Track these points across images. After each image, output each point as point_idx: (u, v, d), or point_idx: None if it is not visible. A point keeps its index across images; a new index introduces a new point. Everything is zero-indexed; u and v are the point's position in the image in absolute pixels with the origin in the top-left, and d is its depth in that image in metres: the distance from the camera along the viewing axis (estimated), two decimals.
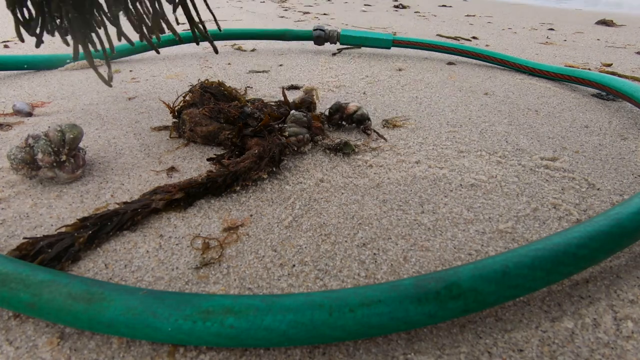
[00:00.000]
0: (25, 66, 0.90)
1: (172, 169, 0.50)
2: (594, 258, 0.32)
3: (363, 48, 1.22)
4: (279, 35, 1.18)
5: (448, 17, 2.29)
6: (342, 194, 0.46)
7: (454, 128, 0.66)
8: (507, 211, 0.44)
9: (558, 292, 0.33)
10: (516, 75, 1.01)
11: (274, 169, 0.49)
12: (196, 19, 0.51)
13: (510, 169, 0.53)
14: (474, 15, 2.40)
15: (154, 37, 0.51)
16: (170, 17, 0.52)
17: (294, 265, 0.35)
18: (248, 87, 0.81)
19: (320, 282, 0.34)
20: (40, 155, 0.44)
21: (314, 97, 0.65)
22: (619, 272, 0.36)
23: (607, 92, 0.82)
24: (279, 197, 0.45)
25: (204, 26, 0.54)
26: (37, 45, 0.40)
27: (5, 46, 1.18)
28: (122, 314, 0.26)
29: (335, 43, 1.15)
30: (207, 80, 0.61)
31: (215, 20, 0.55)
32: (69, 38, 0.45)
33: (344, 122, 0.63)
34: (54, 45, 1.21)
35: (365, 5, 2.75)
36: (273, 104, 0.62)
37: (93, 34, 0.46)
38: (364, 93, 0.81)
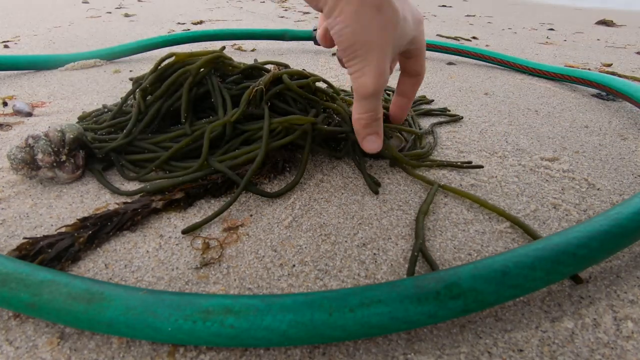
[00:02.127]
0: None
1: None
2: (594, 258, 0.32)
3: None
4: (279, 36, 1.18)
5: (448, 17, 2.29)
6: (342, 194, 0.46)
7: (453, 128, 0.66)
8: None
9: (558, 292, 0.33)
10: (516, 75, 1.01)
11: (276, 175, 0.49)
12: None
13: (510, 169, 0.53)
14: (474, 15, 2.40)
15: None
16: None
17: (294, 265, 0.35)
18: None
19: (320, 282, 0.34)
20: (40, 155, 0.44)
21: None
22: (619, 272, 0.36)
23: (607, 92, 0.82)
24: (278, 198, 0.45)
25: None
26: None
27: (5, 46, 1.18)
28: (122, 314, 0.26)
29: None
30: None
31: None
32: None
33: None
34: (54, 45, 1.21)
35: None
36: None
37: None
38: None
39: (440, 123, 0.67)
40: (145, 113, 0.51)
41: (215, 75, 0.54)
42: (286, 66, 0.57)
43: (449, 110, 0.72)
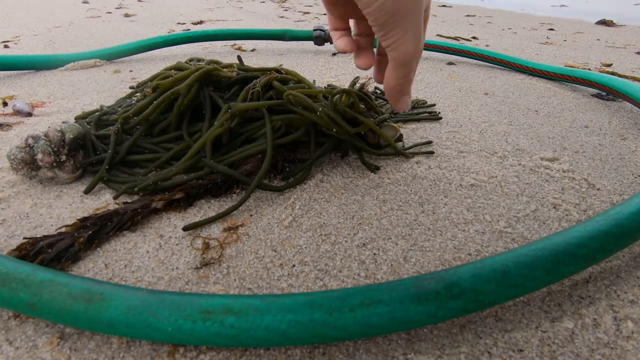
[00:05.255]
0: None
1: None
2: (594, 258, 0.32)
3: None
4: (279, 36, 1.18)
5: (448, 17, 2.29)
6: (342, 194, 0.46)
7: (454, 128, 0.66)
8: (507, 211, 0.44)
9: (558, 292, 0.33)
10: (516, 75, 1.01)
11: (276, 174, 0.49)
12: None
13: (510, 169, 0.53)
14: (474, 15, 2.40)
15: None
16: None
17: (294, 265, 0.35)
18: None
19: (320, 282, 0.34)
20: (40, 156, 0.44)
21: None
22: (619, 272, 0.36)
23: (607, 92, 0.82)
24: (279, 197, 0.45)
25: None
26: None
27: (5, 46, 1.18)
28: (122, 314, 0.26)
29: None
30: None
31: None
32: None
33: None
34: (54, 45, 1.21)
35: None
36: None
37: None
38: None
39: (419, 113, 0.70)
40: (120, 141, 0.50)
41: (207, 87, 0.52)
42: (278, 71, 0.56)
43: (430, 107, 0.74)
